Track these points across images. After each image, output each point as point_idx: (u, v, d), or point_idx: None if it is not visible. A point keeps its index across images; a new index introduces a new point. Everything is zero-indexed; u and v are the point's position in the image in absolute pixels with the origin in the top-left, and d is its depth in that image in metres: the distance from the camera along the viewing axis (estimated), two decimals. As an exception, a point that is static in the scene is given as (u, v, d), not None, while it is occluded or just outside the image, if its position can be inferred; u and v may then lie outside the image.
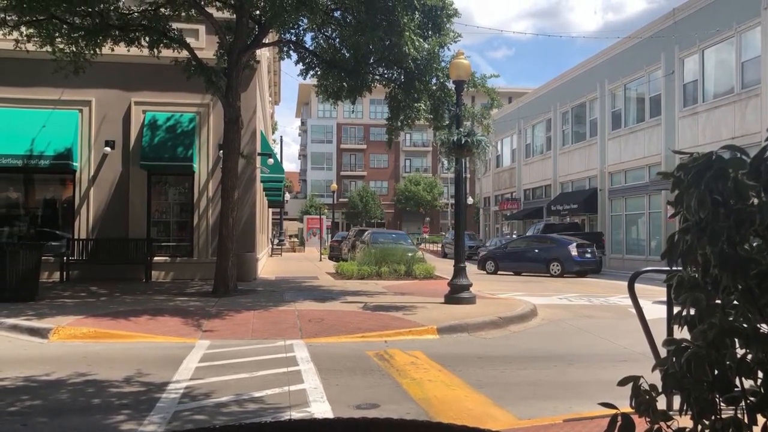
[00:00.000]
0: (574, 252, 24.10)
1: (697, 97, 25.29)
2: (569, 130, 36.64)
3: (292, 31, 16.13)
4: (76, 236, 17.15)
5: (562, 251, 24.40)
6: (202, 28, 17.24)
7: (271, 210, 41.32)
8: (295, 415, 5.60)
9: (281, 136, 54.52)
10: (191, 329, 9.98)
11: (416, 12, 13.75)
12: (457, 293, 13.21)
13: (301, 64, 16.51)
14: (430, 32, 14.74)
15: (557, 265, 24.30)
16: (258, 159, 19.12)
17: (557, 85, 37.86)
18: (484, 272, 25.97)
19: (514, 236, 37.95)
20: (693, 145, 24.13)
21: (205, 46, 17.09)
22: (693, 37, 24.87)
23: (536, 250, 25.34)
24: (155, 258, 17.22)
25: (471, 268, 21.87)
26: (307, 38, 16.73)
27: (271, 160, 21.38)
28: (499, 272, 25.89)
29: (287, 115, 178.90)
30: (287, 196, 51.34)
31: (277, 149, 43.16)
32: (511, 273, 25.67)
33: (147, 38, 14.55)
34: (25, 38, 13.73)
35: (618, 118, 31.19)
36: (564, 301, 15.48)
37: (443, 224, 76.63)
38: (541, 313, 12.60)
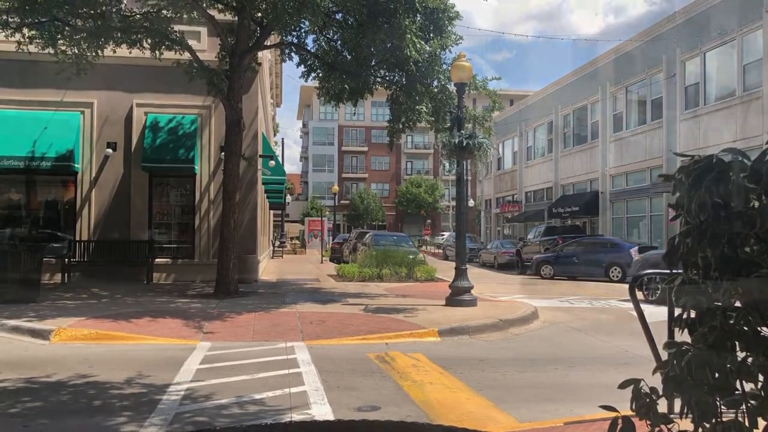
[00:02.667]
0: (636, 257, 22.41)
1: (698, 100, 25.28)
2: (570, 133, 36.63)
3: (294, 33, 16.16)
4: (77, 238, 17.17)
5: (623, 255, 23.15)
6: (203, 30, 17.27)
7: (272, 212, 41.33)
8: (296, 417, 5.60)
9: (282, 138, 54.54)
10: (192, 331, 9.99)
11: (418, 14, 13.77)
12: (458, 296, 13.20)
13: (302, 66, 16.54)
14: (431, 35, 14.76)
15: (618, 270, 23.00)
16: (259, 161, 19.13)
17: (559, 87, 37.86)
18: (539, 277, 24.88)
19: (519, 238, 37.88)
20: (694, 147, 24.11)
21: (206, 48, 17.11)
22: (694, 39, 24.88)
23: (594, 254, 24.18)
24: (156, 260, 17.23)
25: (475, 271, 21.85)
26: (309, 40, 16.75)
27: (272, 162, 21.40)
28: (555, 277, 24.52)
29: (289, 117, 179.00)
30: (288, 198, 51.33)
31: (278, 151, 43.20)
32: (565, 278, 24.32)
33: (149, 40, 14.58)
34: (27, 40, 13.75)
35: (619, 120, 31.17)
36: (565, 304, 15.47)
37: (444, 226, 76.60)
38: (542, 315, 12.59)
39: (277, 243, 44.45)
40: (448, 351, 9.12)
